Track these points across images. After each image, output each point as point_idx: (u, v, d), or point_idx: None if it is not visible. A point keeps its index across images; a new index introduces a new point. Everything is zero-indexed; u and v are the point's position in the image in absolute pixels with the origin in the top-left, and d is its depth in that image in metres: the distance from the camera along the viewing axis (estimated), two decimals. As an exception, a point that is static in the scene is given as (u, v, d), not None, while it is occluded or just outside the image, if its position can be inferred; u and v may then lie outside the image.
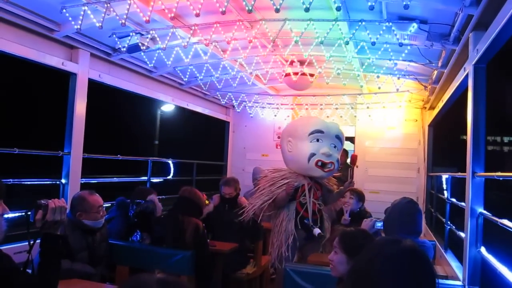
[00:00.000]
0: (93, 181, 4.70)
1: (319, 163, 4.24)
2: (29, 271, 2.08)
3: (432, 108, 6.42)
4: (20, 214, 2.62)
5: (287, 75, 5.60)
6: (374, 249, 1.42)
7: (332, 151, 4.31)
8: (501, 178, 2.47)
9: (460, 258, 3.43)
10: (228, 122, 8.11)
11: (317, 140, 4.28)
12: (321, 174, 4.33)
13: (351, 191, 4.49)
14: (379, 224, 3.84)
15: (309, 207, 4.31)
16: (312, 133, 4.28)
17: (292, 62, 5.20)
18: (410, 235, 2.85)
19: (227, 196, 4.95)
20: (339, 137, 4.42)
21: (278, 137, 7.67)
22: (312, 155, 4.24)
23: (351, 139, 7.71)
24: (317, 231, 4.16)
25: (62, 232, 2.21)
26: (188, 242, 3.69)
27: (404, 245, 1.38)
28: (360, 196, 4.52)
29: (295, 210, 4.32)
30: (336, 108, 7.01)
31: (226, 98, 6.92)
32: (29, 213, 2.13)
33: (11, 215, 2.14)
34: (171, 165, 6.57)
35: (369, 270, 1.36)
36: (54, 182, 4.18)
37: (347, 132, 7.67)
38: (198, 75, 5.49)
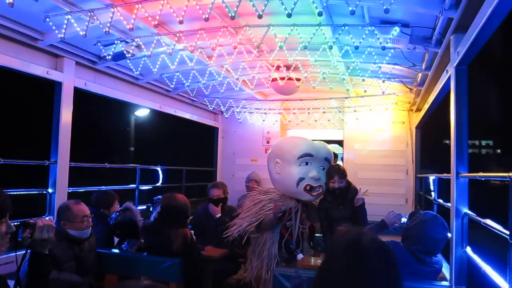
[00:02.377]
0: (81, 189, 4.67)
1: (308, 187, 4.15)
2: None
3: (418, 110, 6.48)
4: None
5: (274, 80, 5.62)
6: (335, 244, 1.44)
7: (321, 174, 4.23)
8: (483, 179, 2.50)
9: (447, 258, 3.46)
10: (217, 128, 8.12)
11: (306, 164, 4.18)
12: (309, 198, 4.26)
13: (339, 175, 4.38)
14: (404, 220, 3.77)
15: (294, 231, 4.23)
16: (301, 156, 4.17)
17: (278, 67, 5.22)
18: (425, 254, 2.88)
19: (215, 198, 4.97)
20: (327, 159, 4.35)
21: (267, 142, 7.69)
22: (301, 179, 4.13)
23: (340, 143, 7.75)
24: (300, 256, 4.12)
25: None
26: (177, 253, 3.65)
27: (364, 239, 1.39)
28: (345, 174, 4.46)
29: (279, 233, 4.24)
30: (324, 112, 7.05)
31: (214, 104, 6.92)
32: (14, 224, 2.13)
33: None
34: (160, 172, 6.54)
35: (329, 264, 1.40)
36: (41, 192, 4.15)
37: (336, 136, 7.74)
38: (185, 81, 5.49)
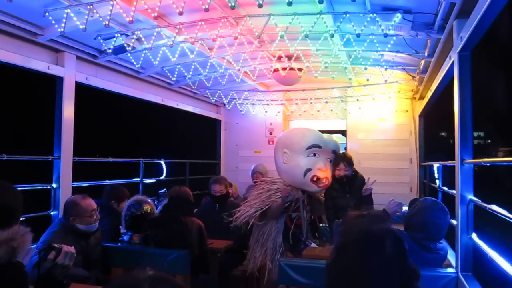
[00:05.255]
0: (85, 184, 4.67)
1: (315, 179, 4.19)
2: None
3: (421, 98, 6.44)
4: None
5: (276, 70, 5.59)
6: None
7: (327, 166, 4.27)
8: (488, 164, 2.49)
9: (453, 245, 3.46)
10: (220, 120, 8.10)
11: (314, 155, 4.22)
12: (315, 189, 4.29)
13: (345, 163, 4.37)
14: (405, 209, 3.74)
15: (304, 222, 4.25)
16: (309, 147, 4.21)
17: (279, 58, 5.20)
18: (428, 240, 2.89)
19: (217, 194, 4.96)
20: (335, 152, 4.39)
21: (270, 133, 7.68)
22: (308, 170, 4.17)
23: (343, 133, 7.72)
24: (313, 245, 4.14)
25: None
26: (194, 243, 3.71)
27: (376, 228, 1.39)
28: (352, 162, 4.45)
29: (284, 223, 4.26)
30: (326, 102, 7.02)
31: (216, 96, 6.90)
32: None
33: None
34: (164, 166, 6.54)
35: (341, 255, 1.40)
36: (45, 187, 4.15)
37: (339, 126, 7.71)
38: (186, 74, 5.47)
